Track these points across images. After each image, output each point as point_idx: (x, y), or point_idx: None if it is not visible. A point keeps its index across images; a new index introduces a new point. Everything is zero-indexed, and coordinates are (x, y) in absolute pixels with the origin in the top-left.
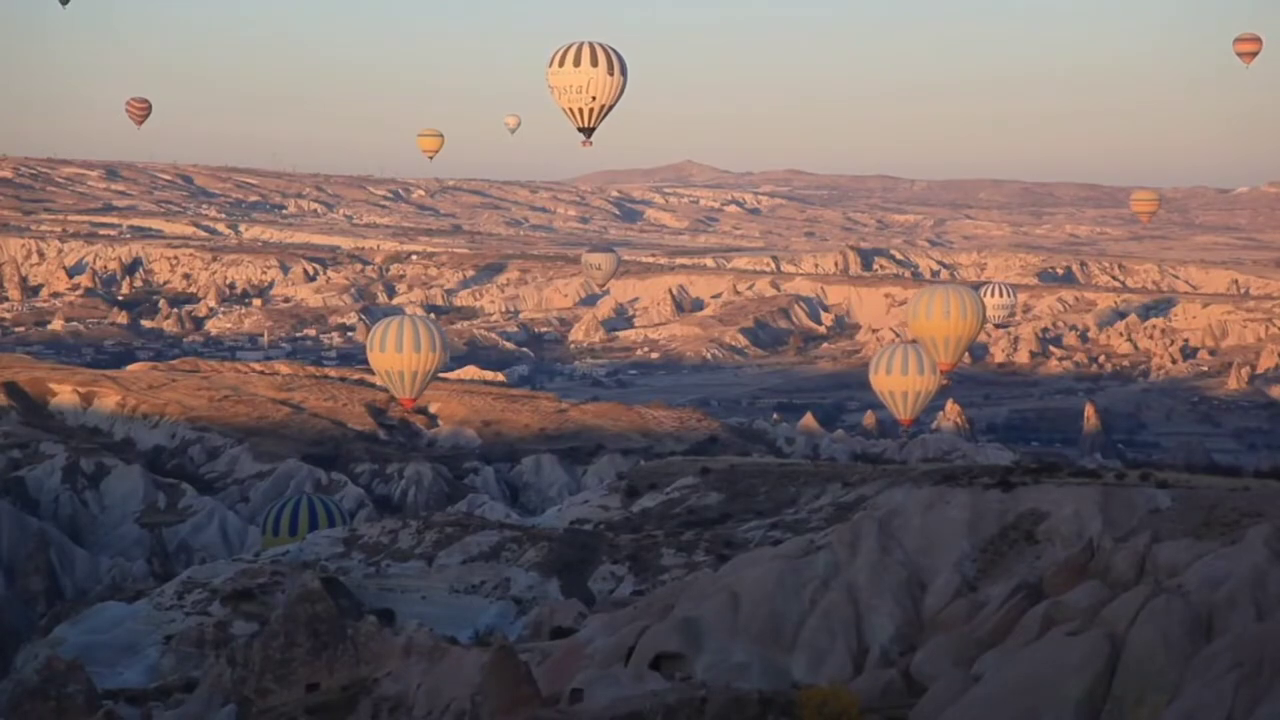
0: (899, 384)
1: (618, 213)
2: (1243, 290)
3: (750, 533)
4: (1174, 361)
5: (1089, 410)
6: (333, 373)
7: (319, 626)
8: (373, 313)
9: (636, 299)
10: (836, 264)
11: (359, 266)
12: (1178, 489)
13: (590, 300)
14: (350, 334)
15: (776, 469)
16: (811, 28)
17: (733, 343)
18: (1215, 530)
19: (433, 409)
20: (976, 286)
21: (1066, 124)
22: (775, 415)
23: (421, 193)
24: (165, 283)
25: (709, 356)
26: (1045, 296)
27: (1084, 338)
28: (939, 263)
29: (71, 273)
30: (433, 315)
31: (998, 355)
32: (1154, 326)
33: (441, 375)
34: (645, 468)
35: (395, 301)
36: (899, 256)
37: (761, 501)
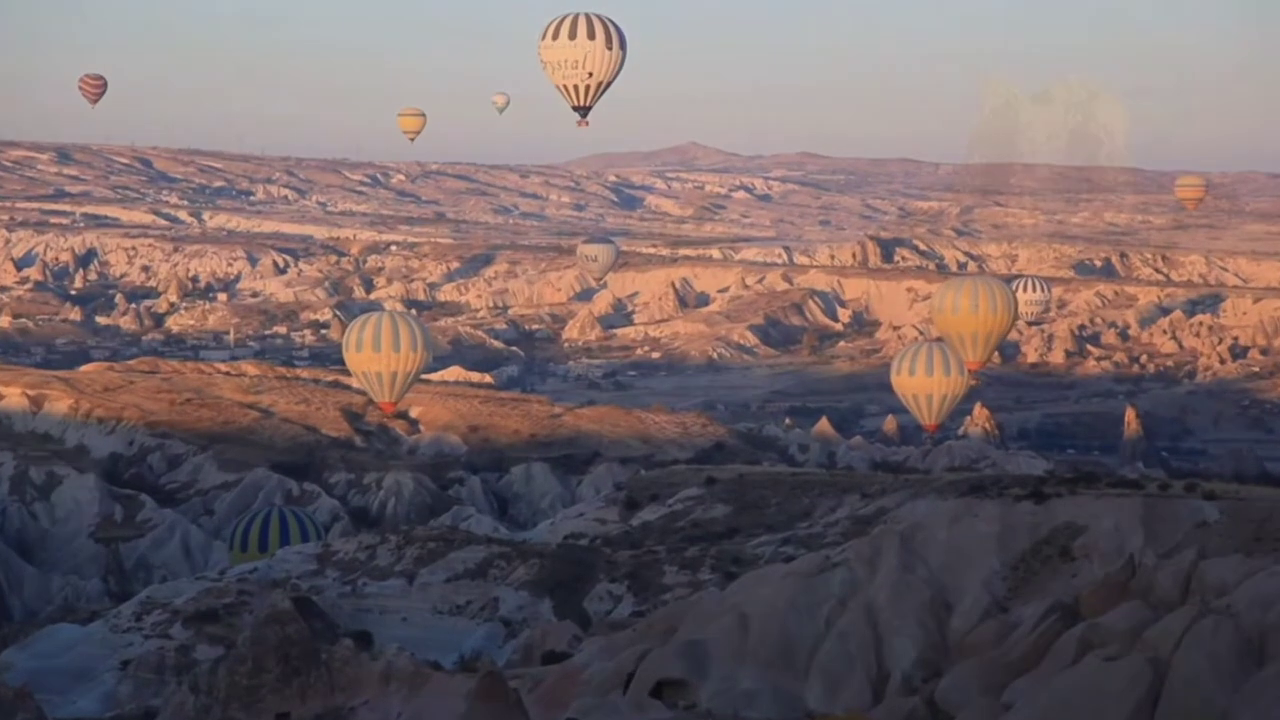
0: (923, 386)
1: (616, 199)
2: None
3: (760, 548)
4: (1222, 361)
5: (1130, 415)
6: (305, 374)
7: (290, 650)
8: (349, 308)
9: (636, 293)
10: (854, 255)
11: (334, 258)
12: (1226, 500)
13: (586, 295)
14: (324, 332)
15: (789, 479)
16: None
17: (741, 341)
18: (1267, 545)
19: (414, 413)
20: (1008, 280)
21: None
22: (787, 420)
23: (402, 178)
24: (122, 275)
25: (715, 356)
26: (1082, 291)
27: (1124, 336)
28: (966, 254)
29: (20, 265)
30: (414, 311)
31: (1030, 355)
32: (1200, 323)
33: (424, 377)
34: (645, 477)
35: (373, 296)
36: (922, 247)
37: (772, 514)
